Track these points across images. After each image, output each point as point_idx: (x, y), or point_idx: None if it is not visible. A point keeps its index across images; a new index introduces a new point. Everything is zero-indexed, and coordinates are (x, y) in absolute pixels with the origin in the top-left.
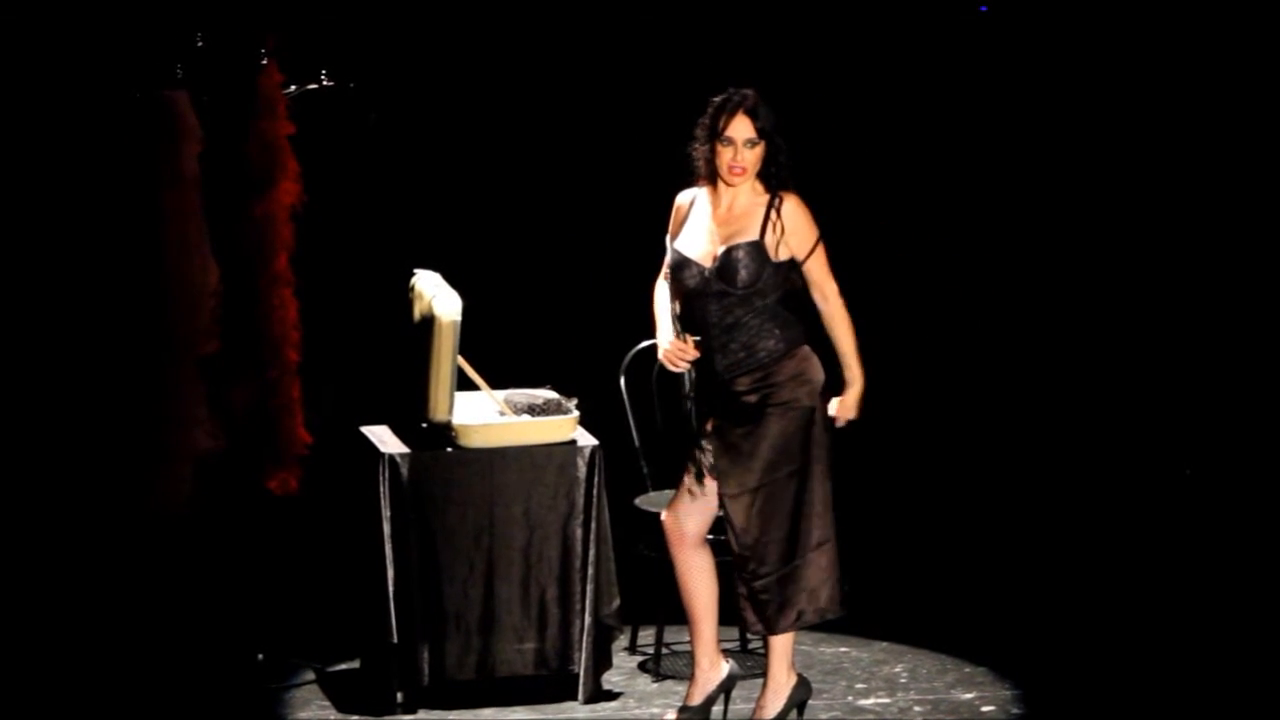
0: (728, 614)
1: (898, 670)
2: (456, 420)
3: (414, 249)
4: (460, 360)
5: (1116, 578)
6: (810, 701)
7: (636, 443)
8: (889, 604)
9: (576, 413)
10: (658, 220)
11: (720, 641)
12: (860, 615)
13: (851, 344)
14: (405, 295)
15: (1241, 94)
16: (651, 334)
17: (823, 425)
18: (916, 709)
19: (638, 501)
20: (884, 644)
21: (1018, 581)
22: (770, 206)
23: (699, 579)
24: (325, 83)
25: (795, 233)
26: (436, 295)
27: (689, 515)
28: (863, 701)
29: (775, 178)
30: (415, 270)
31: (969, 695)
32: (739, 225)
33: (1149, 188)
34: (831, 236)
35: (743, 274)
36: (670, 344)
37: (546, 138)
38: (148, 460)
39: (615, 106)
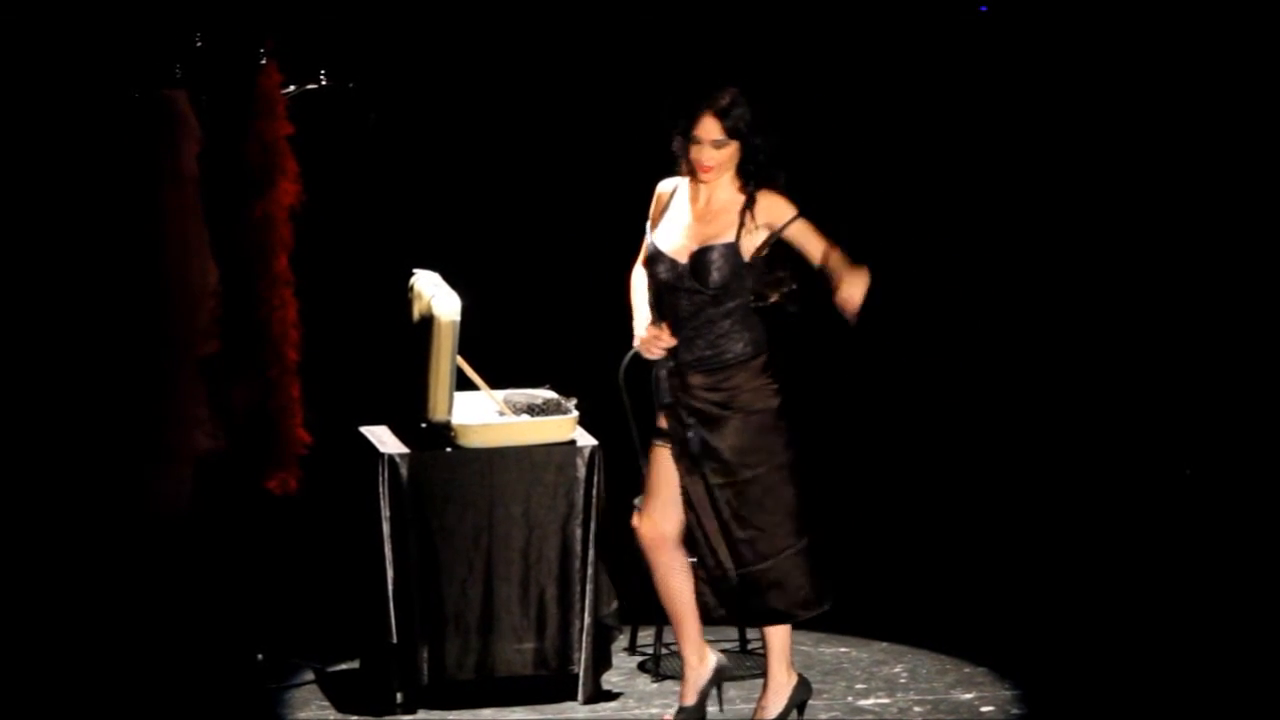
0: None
1: (898, 670)
2: (456, 420)
3: (414, 249)
4: (460, 360)
5: (1116, 578)
6: (810, 701)
7: (636, 443)
8: (889, 604)
9: (576, 413)
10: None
11: (718, 641)
12: (860, 615)
13: (861, 277)
14: (405, 295)
15: (1242, 94)
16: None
17: (786, 430)
18: (916, 709)
19: (637, 501)
20: (884, 644)
21: (1018, 581)
22: (745, 207)
23: (679, 579)
24: (325, 83)
25: (769, 211)
26: (436, 295)
27: (665, 518)
28: (863, 702)
29: (754, 176)
30: (415, 270)
31: (969, 695)
32: (716, 225)
33: (1149, 187)
34: (830, 235)
35: (715, 275)
36: (647, 330)
37: (546, 138)
38: (148, 461)
39: (615, 106)
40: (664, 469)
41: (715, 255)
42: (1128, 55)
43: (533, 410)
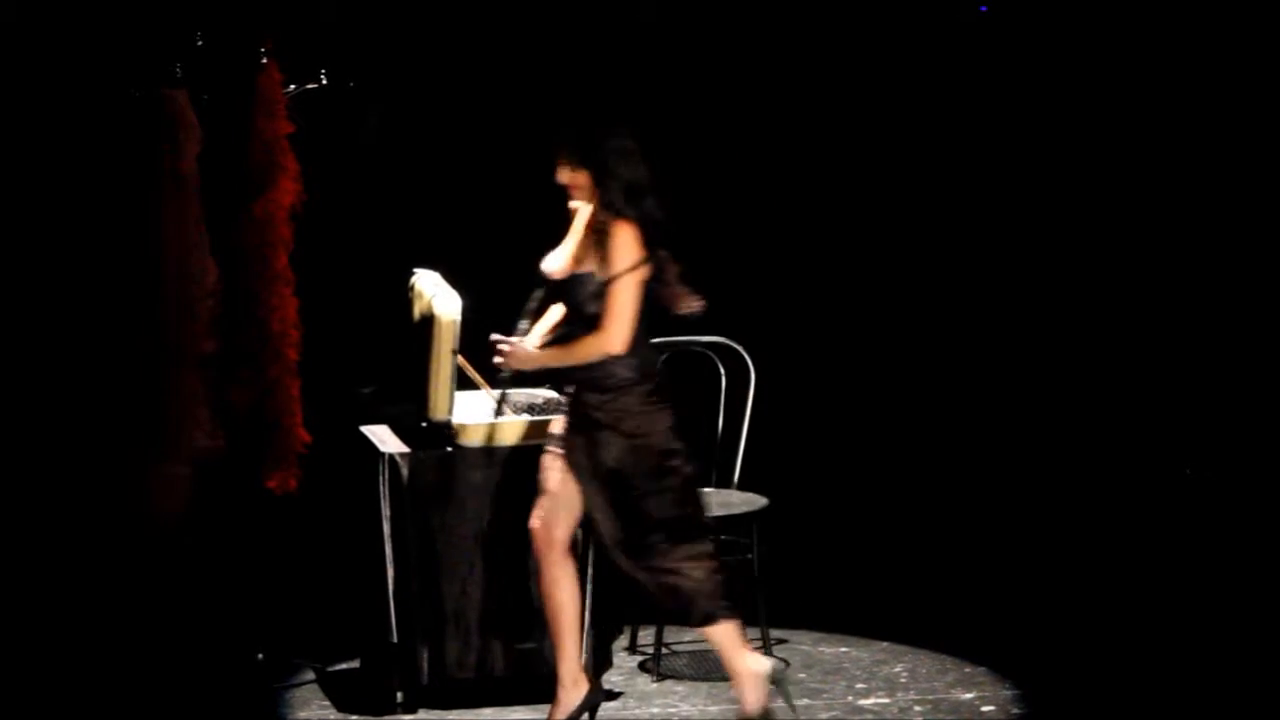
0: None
1: (898, 670)
2: (456, 420)
3: (414, 249)
4: (460, 360)
5: (1117, 578)
6: (810, 701)
7: None
8: (889, 604)
9: None
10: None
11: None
12: (861, 615)
13: (571, 352)
14: (405, 295)
15: (1242, 94)
16: (651, 333)
17: (672, 457)
18: (916, 709)
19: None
20: (884, 644)
21: (1018, 581)
22: (601, 238)
23: (566, 591)
24: (325, 83)
25: (614, 250)
26: (436, 295)
27: (555, 522)
28: (863, 701)
29: (608, 208)
30: (415, 270)
31: (969, 695)
32: (585, 251)
33: (1149, 188)
34: (830, 236)
35: (582, 303)
36: (513, 341)
37: (546, 138)
38: (147, 460)
39: (615, 106)
40: (553, 474)
41: (580, 284)
42: (1128, 55)
43: (533, 410)
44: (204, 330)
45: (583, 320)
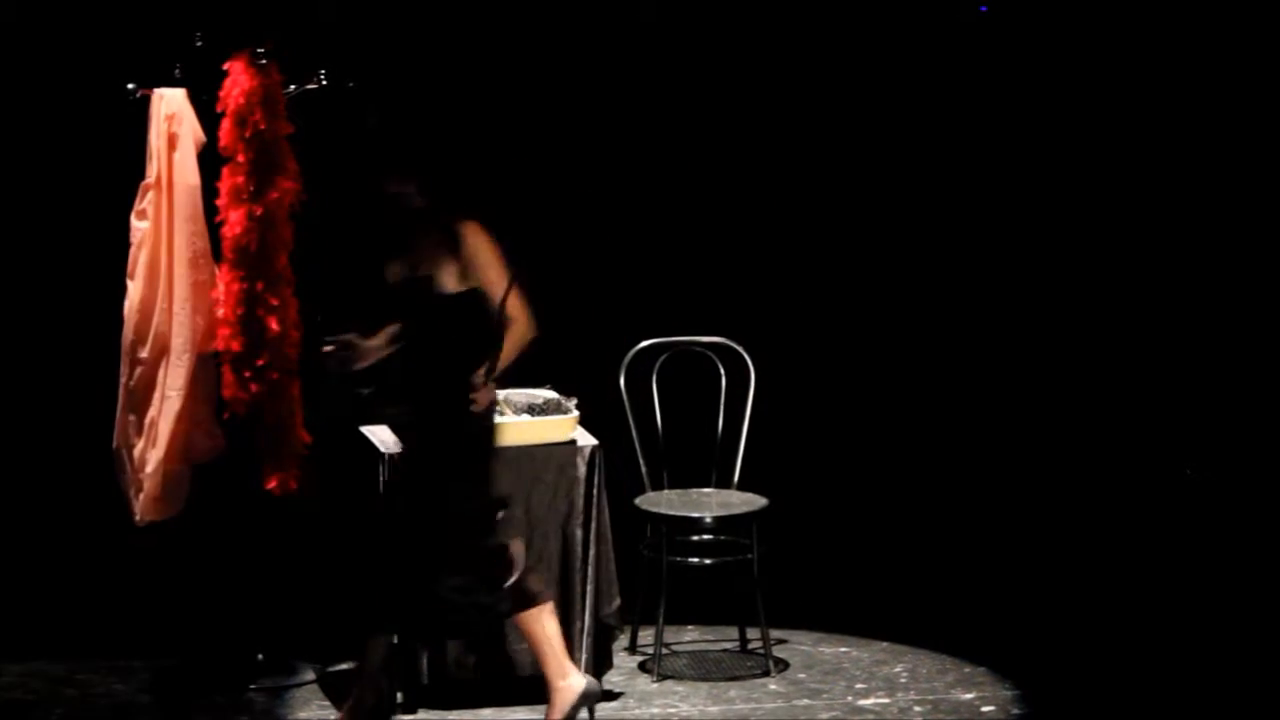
0: (721, 615)
1: (898, 670)
2: None
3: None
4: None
5: (1117, 578)
6: (810, 701)
7: (636, 443)
8: (889, 604)
9: (576, 413)
10: (658, 220)
11: (719, 641)
12: (860, 615)
13: (510, 353)
14: None
15: (1242, 94)
16: (651, 333)
17: (491, 451)
18: (916, 709)
19: (638, 501)
20: (884, 644)
21: (1018, 581)
22: (446, 239)
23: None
24: (324, 83)
25: (474, 261)
26: None
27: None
28: (863, 701)
29: (445, 208)
30: None
31: (969, 695)
32: (422, 253)
33: (1149, 188)
34: (830, 236)
35: (423, 303)
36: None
37: (545, 138)
38: (145, 461)
39: (615, 106)
40: None
41: (419, 285)
42: (1128, 55)
43: (533, 410)
44: (205, 330)
45: (422, 324)
